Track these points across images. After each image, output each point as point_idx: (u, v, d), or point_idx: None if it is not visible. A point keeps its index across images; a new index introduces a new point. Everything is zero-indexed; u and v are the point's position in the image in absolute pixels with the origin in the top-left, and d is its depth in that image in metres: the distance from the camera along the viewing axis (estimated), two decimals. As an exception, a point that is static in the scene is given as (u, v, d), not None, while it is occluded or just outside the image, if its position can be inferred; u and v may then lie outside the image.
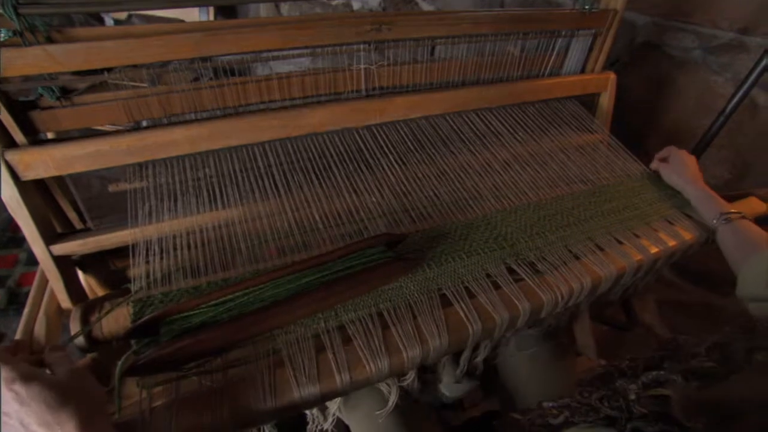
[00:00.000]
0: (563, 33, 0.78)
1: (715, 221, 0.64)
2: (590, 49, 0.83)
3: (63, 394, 0.32)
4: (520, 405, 0.70)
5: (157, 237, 0.57)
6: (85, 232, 0.61)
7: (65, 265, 0.59)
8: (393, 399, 0.58)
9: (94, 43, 0.51)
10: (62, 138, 0.57)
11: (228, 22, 0.59)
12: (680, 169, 0.73)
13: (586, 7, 0.76)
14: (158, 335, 0.45)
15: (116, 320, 0.52)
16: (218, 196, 0.62)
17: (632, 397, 0.28)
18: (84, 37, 0.53)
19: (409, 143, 0.72)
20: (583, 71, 0.86)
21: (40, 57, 0.49)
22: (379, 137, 0.71)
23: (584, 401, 0.31)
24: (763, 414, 0.19)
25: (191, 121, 0.61)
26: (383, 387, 0.60)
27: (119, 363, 0.44)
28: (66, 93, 0.57)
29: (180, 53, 0.56)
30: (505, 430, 0.39)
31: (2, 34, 0.48)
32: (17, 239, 1.25)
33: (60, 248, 0.57)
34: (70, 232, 0.61)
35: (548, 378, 0.71)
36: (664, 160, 0.77)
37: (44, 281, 0.61)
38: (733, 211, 0.63)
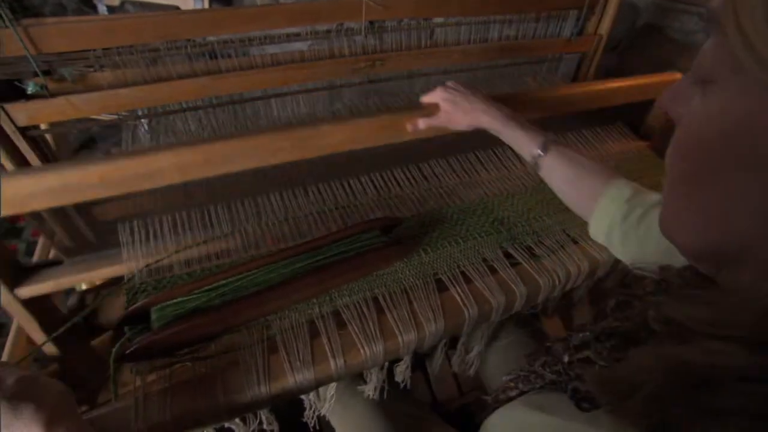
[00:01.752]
0: (549, 57, 0.81)
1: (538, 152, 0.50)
2: (578, 67, 0.86)
3: (15, 399, 0.33)
4: None
5: (141, 269, 0.51)
6: (56, 266, 0.51)
7: (37, 305, 0.50)
8: (374, 387, 0.56)
9: (111, 91, 0.56)
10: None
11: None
12: (474, 107, 0.53)
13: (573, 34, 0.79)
14: (151, 322, 0.45)
15: (114, 310, 0.52)
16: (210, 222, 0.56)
17: (566, 359, 0.29)
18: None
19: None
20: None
21: (64, 106, 0.54)
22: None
23: (531, 369, 0.32)
24: (658, 383, 0.18)
25: (180, 145, 0.49)
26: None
27: (113, 350, 0.44)
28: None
29: (187, 96, 0.61)
30: (479, 410, 0.40)
31: (30, 88, 0.53)
32: (16, 230, 1.26)
33: (28, 291, 0.48)
34: (41, 264, 0.51)
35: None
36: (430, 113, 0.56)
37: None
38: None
